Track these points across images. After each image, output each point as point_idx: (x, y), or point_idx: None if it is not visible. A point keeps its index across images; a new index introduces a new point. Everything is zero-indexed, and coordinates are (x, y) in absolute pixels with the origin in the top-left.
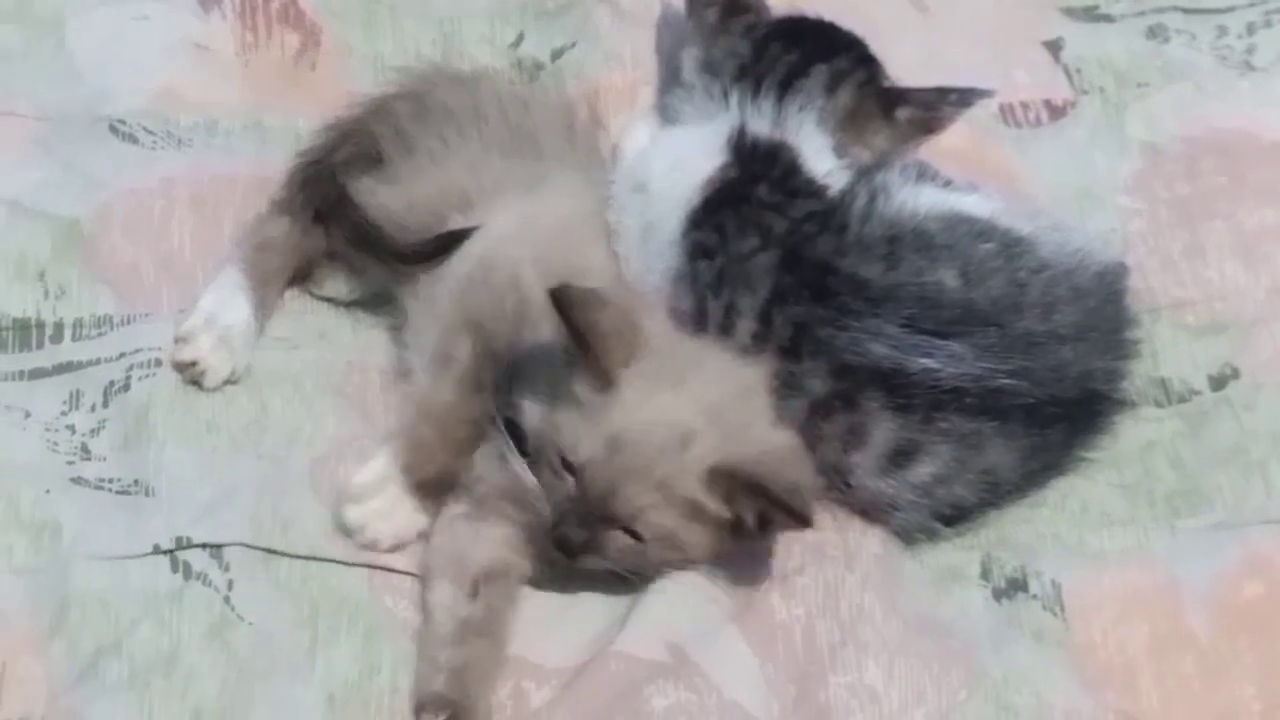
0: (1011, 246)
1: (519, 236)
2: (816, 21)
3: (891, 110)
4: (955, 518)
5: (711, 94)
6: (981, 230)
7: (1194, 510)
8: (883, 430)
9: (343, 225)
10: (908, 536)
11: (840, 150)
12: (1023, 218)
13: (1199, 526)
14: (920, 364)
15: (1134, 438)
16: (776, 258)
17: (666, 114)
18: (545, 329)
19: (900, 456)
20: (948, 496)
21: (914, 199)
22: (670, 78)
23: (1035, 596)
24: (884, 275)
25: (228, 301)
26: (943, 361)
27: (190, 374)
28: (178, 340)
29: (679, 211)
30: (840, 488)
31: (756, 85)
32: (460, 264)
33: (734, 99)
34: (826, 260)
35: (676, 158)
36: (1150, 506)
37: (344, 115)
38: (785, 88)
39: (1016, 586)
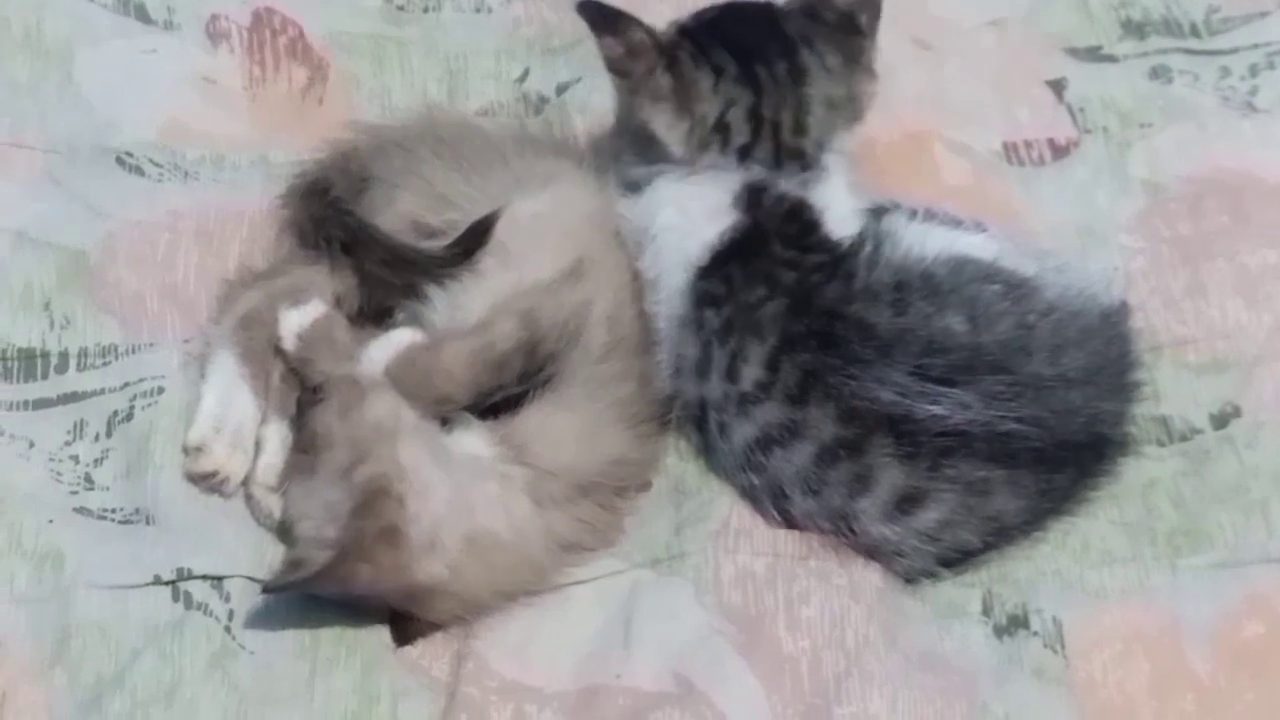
0: (1018, 289)
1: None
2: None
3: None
4: (959, 561)
5: (706, 149)
6: (988, 273)
7: (1195, 549)
8: (889, 477)
9: (372, 252)
10: (910, 579)
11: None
12: (1029, 259)
13: (1200, 565)
14: (928, 411)
15: (1135, 476)
16: (785, 305)
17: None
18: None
19: (906, 503)
20: (953, 541)
21: (920, 243)
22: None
23: (1036, 634)
24: (892, 321)
25: (229, 396)
26: (950, 408)
27: (210, 484)
28: (190, 450)
29: (686, 263)
30: (845, 533)
31: (746, 153)
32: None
33: (734, 155)
34: (834, 307)
35: (683, 210)
36: (1152, 545)
37: (330, 154)
38: (779, 154)
39: (1017, 623)
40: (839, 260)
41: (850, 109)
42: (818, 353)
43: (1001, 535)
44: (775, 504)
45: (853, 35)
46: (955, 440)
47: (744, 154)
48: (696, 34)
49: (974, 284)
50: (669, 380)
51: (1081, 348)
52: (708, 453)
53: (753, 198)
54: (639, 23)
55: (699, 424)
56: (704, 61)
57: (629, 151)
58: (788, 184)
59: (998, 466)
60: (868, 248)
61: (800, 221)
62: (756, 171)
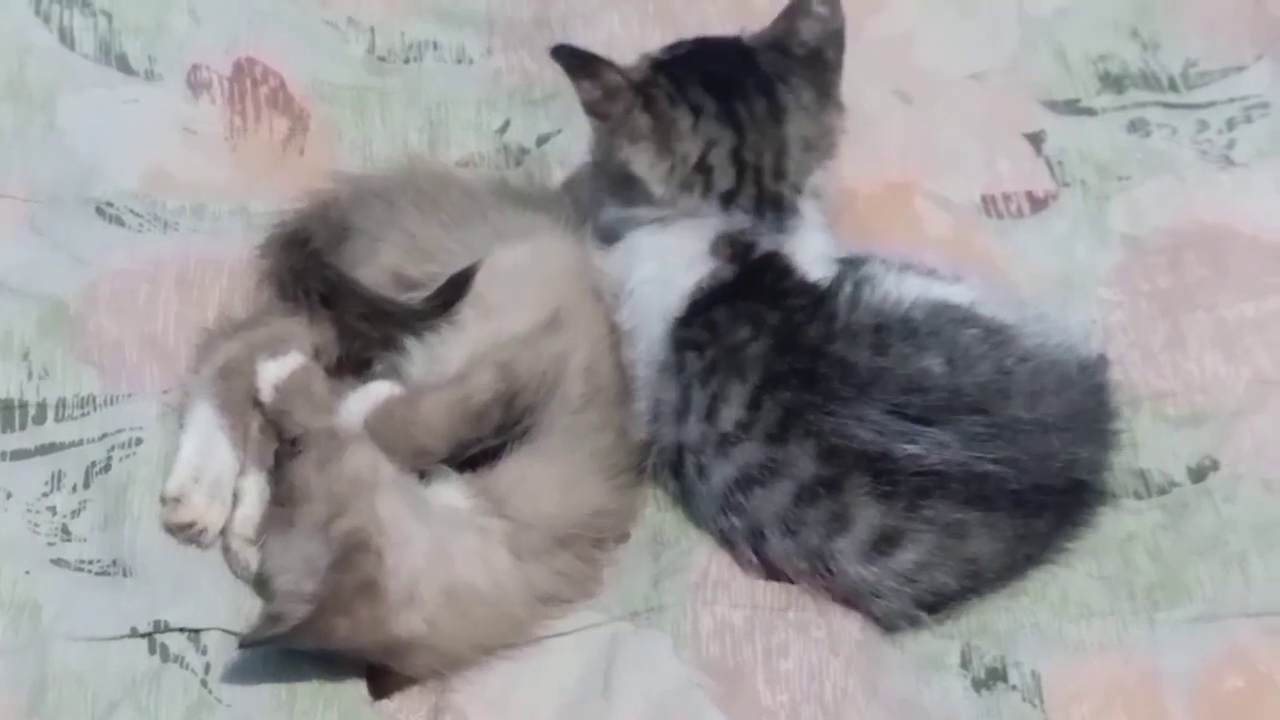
0: (995, 334)
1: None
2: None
3: (827, 86)
4: (936, 604)
5: (688, 191)
6: (966, 317)
7: (1174, 602)
8: (866, 516)
9: (351, 305)
10: (888, 623)
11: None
12: (1008, 308)
13: (1179, 619)
14: (905, 450)
15: (1114, 529)
16: (769, 345)
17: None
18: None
19: (883, 543)
20: (930, 584)
21: (898, 288)
22: (622, 187)
23: (1015, 687)
24: (872, 360)
25: (208, 447)
26: (927, 447)
27: (188, 534)
28: (169, 500)
29: (666, 312)
30: (823, 573)
31: (729, 198)
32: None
33: (716, 200)
34: (816, 345)
35: (661, 260)
36: (1130, 598)
37: (310, 204)
38: (761, 201)
39: (996, 676)
40: (819, 301)
41: (824, 145)
42: (798, 390)
43: (979, 579)
44: (753, 546)
45: (822, 70)
46: (932, 480)
47: (728, 200)
48: (672, 70)
49: (952, 326)
50: (646, 427)
51: (1059, 395)
52: (685, 499)
53: (730, 245)
54: (611, 64)
55: (676, 470)
56: (681, 100)
57: (607, 194)
58: (764, 233)
59: (975, 508)
60: (847, 289)
61: (774, 269)
62: (738, 219)
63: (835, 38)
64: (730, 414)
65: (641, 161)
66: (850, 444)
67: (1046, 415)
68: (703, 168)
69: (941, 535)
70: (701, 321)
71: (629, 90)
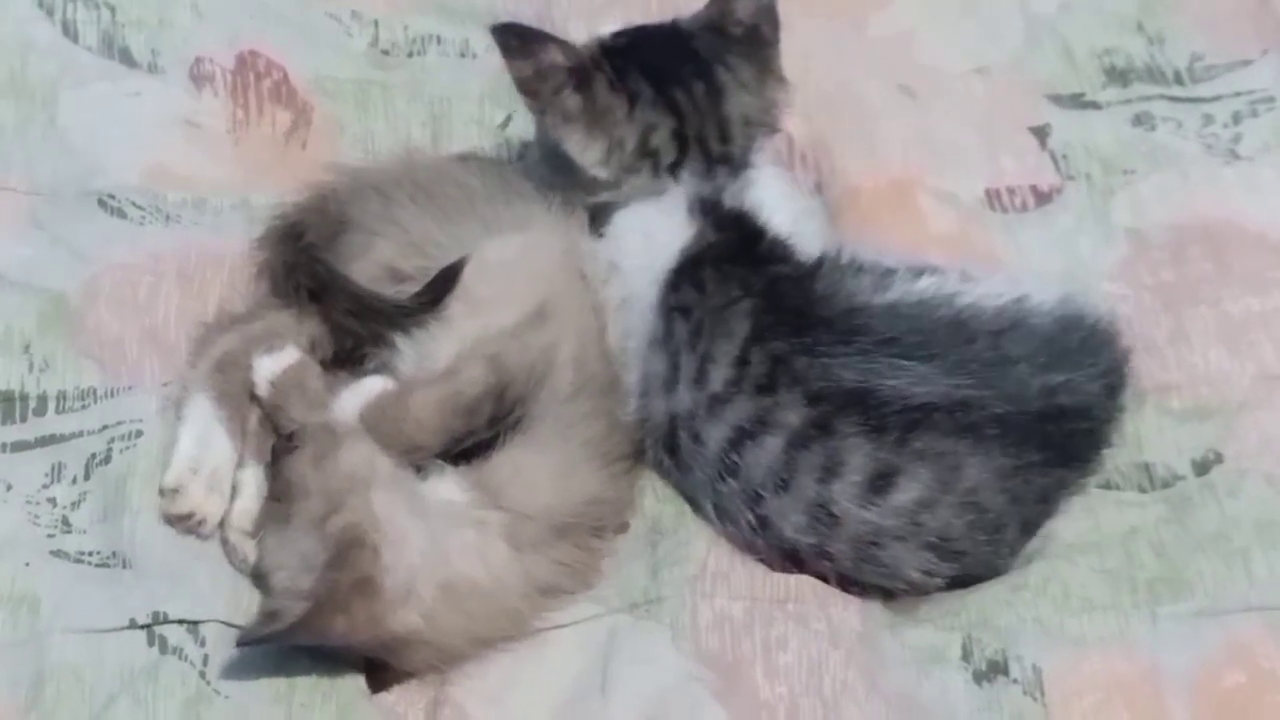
0: (951, 283)
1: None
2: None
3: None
4: (946, 550)
5: (635, 173)
6: (921, 269)
7: (1176, 597)
8: (859, 456)
9: (339, 300)
10: (898, 578)
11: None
12: (979, 272)
13: (1181, 613)
14: (889, 385)
15: (1117, 523)
16: (755, 304)
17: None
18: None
19: (879, 481)
20: (934, 524)
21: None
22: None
23: (1016, 681)
24: (848, 318)
25: (206, 438)
26: (912, 381)
27: (187, 525)
28: (167, 491)
29: (656, 283)
30: (823, 521)
31: (675, 167)
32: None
33: (664, 171)
34: (799, 306)
35: (646, 234)
36: (1132, 592)
37: (308, 197)
38: (709, 161)
39: (997, 670)
40: (798, 278)
41: (767, 120)
42: (785, 338)
43: (983, 517)
44: (751, 510)
45: (760, 46)
46: (919, 413)
47: (674, 169)
48: (615, 56)
49: (907, 281)
50: (637, 404)
51: (1023, 330)
52: (680, 473)
53: (701, 206)
54: (559, 43)
55: (670, 445)
56: (620, 87)
57: (557, 177)
58: (724, 188)
59: (963, 438)
60: (826, 268)
61: (745, 229)
62: (695, 182)
63: (768, 13)
64: (719, 374)
65: (573, 142)
66: (837, 385)
67: (1012, 351)
68: (646, 151)
69: (936, 469)
70: (689, 283)
71: (564, 70)
